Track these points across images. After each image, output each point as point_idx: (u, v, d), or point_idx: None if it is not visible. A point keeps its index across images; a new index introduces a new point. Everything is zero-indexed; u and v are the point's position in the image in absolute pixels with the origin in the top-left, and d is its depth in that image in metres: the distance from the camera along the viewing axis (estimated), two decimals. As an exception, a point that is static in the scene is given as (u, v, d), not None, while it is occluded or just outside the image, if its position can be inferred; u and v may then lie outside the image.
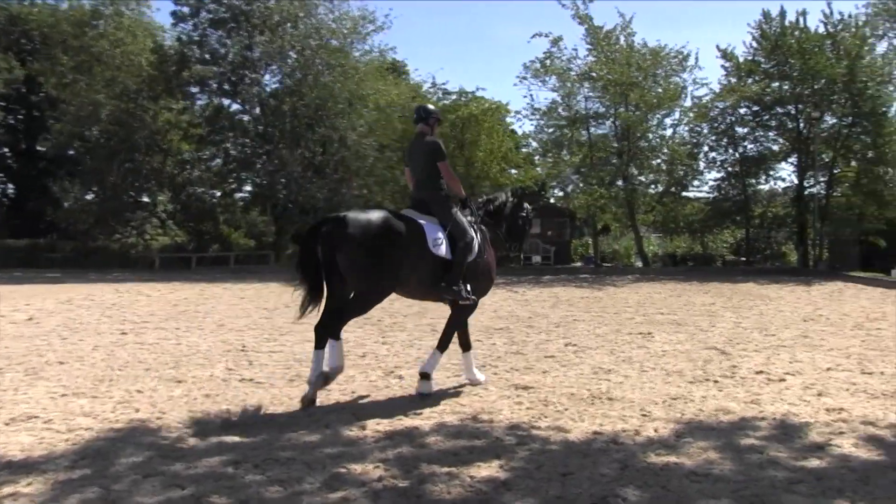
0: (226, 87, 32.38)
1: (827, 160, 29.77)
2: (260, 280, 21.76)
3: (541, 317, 12.11)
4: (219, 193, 34.90)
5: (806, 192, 30.20)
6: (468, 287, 6.01)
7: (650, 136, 31.40)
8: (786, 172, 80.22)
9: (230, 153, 33.00)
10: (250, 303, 14.52)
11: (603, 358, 7.73)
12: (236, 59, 31.84)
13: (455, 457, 4.27)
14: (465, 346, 6.39)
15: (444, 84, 35.26)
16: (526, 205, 7.01)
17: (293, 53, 32.55)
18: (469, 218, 6.22)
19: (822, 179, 29.88)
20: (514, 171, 33.95)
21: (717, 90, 30.42)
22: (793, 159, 30.87)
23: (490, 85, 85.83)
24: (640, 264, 32.79)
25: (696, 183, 32.90)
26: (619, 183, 31.08)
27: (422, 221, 5.81)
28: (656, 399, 5.76)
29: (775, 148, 31.75)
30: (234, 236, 36.08)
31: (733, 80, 30.44)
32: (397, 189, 32.64)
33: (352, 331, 10.04)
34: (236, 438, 4.65)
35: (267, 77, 33.61)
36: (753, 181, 31.71)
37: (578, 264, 34.87)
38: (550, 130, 32.12)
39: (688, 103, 31.05)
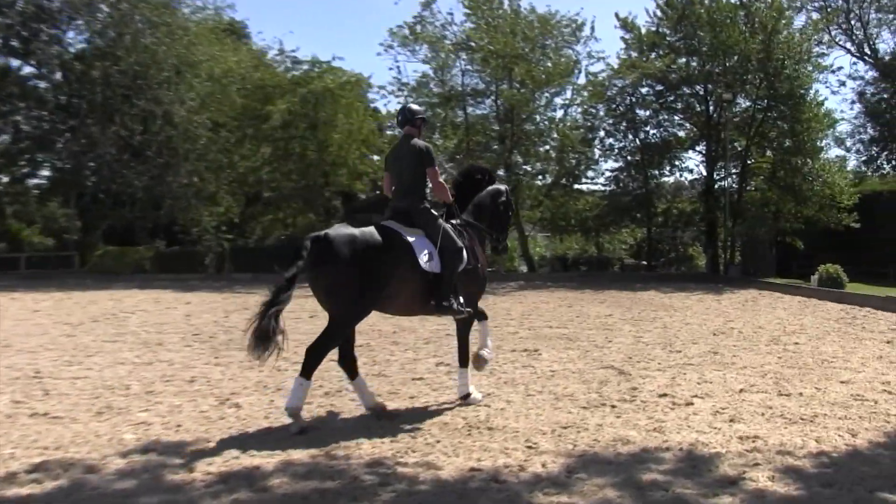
0: (14, 43, 30.29)
1: (740, 149, 31.80)
2: (61, 288, 20.98)
3: (407, 331, 12.15)
4: (6, 179, 32.73)
5: (716, 186, 32.09)
6: (461, 300, 6.64)
7: (537, 118, 32.37)
8: (693, 162, 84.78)
9: (21, 128, 31.04)
10: (47, 317, 13.97)
11: (481, 380, 7.80)
12: (28, 8, 29.83)
13: (304, 502, 4.22)
14: (465, 360, 6.99)
15: (293, 51, 34.68)
16: (501, 186, 7.64)
17: (105, 6, 30.90)
18: (454, 222, 6.86)
19: (734, 171, 31.86)
20: (376, 157, 33.97)
21: (616, 66, 31.80)
22: (701, 147, 32.76)
23: (349, 54, 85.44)
24: (524, 269, 33.67)
25: (590, 174, 34.23)
26: (501, 173, 31.78)
27: (410, 238, 6.38)
28: (544, 428, 5.85)
29: (681, 134, 33.58)
30: (26, 233, 34.77)
31: (634, 54, 31.91)
32: (235, 177, 31.83)
33: (178, 350, 9.68)
34: (22, 490, 4.38)
35: (70, 34, 31.83)
36: (656, 172, 33.36)
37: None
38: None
39: (581, 80, 32.31)
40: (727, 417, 6.26)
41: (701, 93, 31.79)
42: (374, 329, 12.33)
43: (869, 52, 47.61)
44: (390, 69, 42.14)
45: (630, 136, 33.19)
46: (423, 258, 6.37)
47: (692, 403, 6.77)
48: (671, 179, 34.99)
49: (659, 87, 32.04)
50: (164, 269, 29.39)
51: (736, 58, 30.06)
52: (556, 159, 32.51)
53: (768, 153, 32.42)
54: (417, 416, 6.25)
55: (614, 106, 32.76)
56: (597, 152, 33.57)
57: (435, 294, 6.45)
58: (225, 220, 32.79)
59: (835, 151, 65.60)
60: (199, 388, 7.36)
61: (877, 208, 30.95)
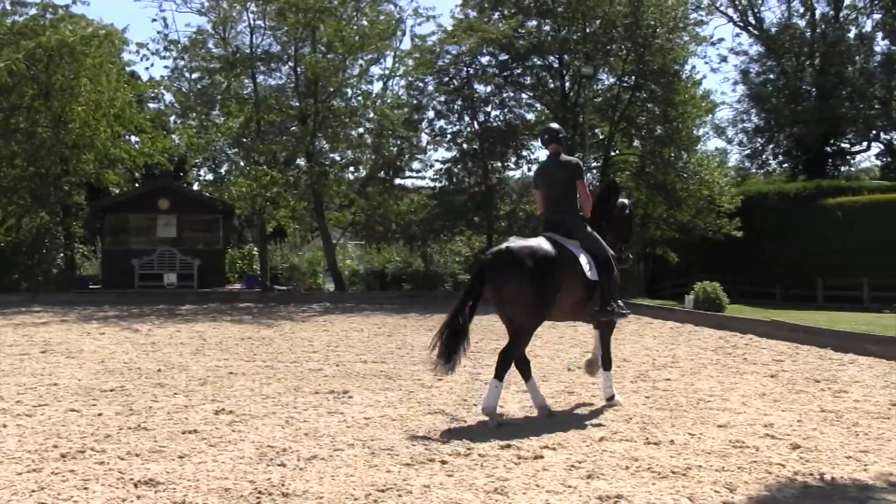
0: None
1: (602, 137, 33.11)
2: None
3: (177, 369, 11.92)
4: None
5: (573, 183, 33.24)
6: (619, 303, 9.36)
7: (349, 92, 32.51)
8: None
9: None
10: None
11: (274, 432, 7.78)
12: None
13: None
14: (608, 364, 9.58)
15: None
16: (623, 199, 10.33)
17: None
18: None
19: (594, 165, 33.08)
20: (134, 138, 33.03)
21: (450, 28, 32.37)
22: (555, 134, 33.83)
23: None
24: (331, 287, 33.64)
25: (416, 165, 34.75)
26: (301, 163, 31.66)
27: (571, 248, 8.89)
28: (356, 492, 5.89)
29: (531, 117, 34.56)
30: None
31: (472, 13, 32.59)
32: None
33: None
34: None
35: None
36: (499, 165, 34.14)
37: (237, 287, 34.80)
38: (195, 76, 31.90)
39: (406, 45, 32.83)
40: (584, 473, 6.49)
41: (555, 65, 32.88)
42: (130, 367, 12.07)
43: (754, 23, 51.00)
44: (154, 21, 41.25)
45: (467, 119, 33.90)
46: (585, 267, 8.84)
47: (542, 456, 6.99)
48: (517, 174, 35.82)
49: (503, 57, 32.81)
50: None
51: (598, 22, 31.30)
52: (372, 146, 32.64)
53: (636, 143, 33.85)
54: (189, 481, 6.13)
55: (447, 79, 33.29)
56: (424, 138, 34.14)
57: (596, 300, 9.01)
58: None
59: (714, 143, 70.00)
60: None
61: (762, 214, 33.07)
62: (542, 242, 8.72)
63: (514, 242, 8.71)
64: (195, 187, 42.05)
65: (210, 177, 35.90)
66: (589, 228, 9.25)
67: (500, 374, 8.43)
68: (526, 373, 8.95)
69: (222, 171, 34.32)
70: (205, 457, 6.87)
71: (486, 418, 8.26)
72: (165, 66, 37.32)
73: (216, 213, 34.86)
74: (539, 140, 12.77)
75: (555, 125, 10.28)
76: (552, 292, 8.58)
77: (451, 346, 8.52)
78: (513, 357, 8.65)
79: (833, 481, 6.34)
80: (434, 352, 8.61)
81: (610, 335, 9.63)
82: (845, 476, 6.48)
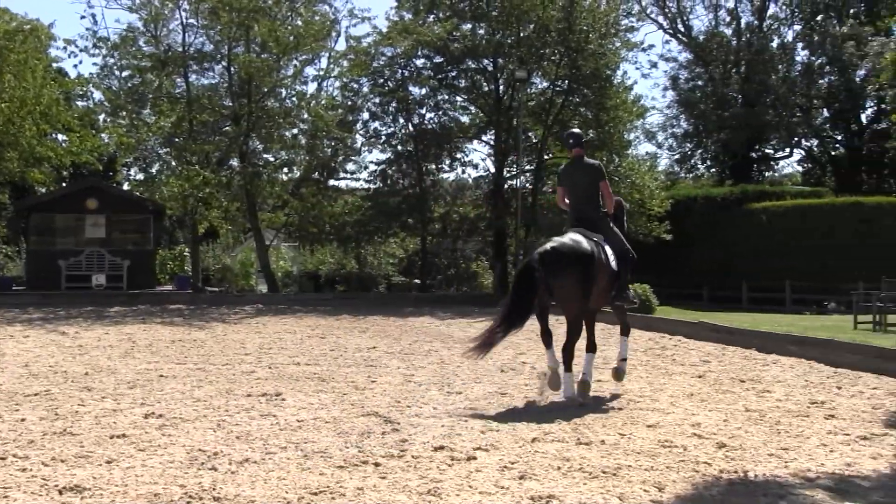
0: None
1: (535, 140, 33.30)
2: None
3: (105, 372, 11.74)
4: None
5: (506, 186, 33.42)
6: (631, 292, 11.13)
7: (283, 92, 32.35)
8: (479, 156, 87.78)
9: None
10: None
11: (206, 435, 7.69)
12: None
13: None
14: (593, 347, 10.60)
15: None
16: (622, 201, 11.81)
17: None
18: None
19: (527, 168, 33.33)
20: (62, 136, 32.48)
21: (385, 30, 32.35)
22: (489, 137, 34.03)
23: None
24: (264, 288, 33.42)
25: (350, 167, 34.73)
26: (234, 163, 31.42)
27: (600, 241, 9.97)
28: (288, 495, 5.84)
29: (465, 119, 34.77)
30: None
31: (408, 15, 32.63)
32: None
33: None
34: None
35: None
36: (433, 167, 34.30)
37: (168, 288, 34.44)
38: (125, 74, 31.47)
39: (341, 46, 32.63)
40: (517, 473, 6.51)
41: (490, 69, 33.05)
42: (56, 370, 11.88)
43: (683, 30, 51.85)
44: (82, 17, 40.47)
45: (401, 121, 34.08)
46: (611, 258, 9.98)
47: (475, 458, 7.00)
48: (452, 176, 36.03)
49: (438, 60, 32.96)
50: None
51: (532, 26, 31.48)
52: (306, 147, 32.56)
53: (570, 146, 34.15)
54: (117, 486, 6.03)
55: (382, 81, 33.38)
56: (359, 139, 34.18)
57: (615, 289, 10.27)
58: None
59: (645, 147, 70.69)
60: None
61: (690, 217, 33.58)
62: (580, 240, 9.78)
63: (558, 242, 9.84)
64: (125, 187, 41.57)
65: (141, 176, 35.52)
66: (610, 223, 10.50)
67: (568, 366, 9.73)
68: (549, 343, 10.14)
69: (153, 170, 33.94)
70: (133, 462, 6.76)
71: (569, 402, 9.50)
72: (94, 64, 36.70)
73: (147, 213, 34.44)
74: (563, 144, 15.40)
75: (577, 130, 11.80)
76: (592, 284, 9.72)
77: (495, 340, 9.71)
78: (573, 347, 9.78)
79: (756, 479, 6.45)
80: (478, 341, 9.76)
81: (627, 315, 11.46)
82: (768, 473, 6.59)
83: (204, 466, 6.61)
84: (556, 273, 9.54)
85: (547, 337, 10.01)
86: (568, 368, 9.68)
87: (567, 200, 10.82)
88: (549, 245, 9.83)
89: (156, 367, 12.33)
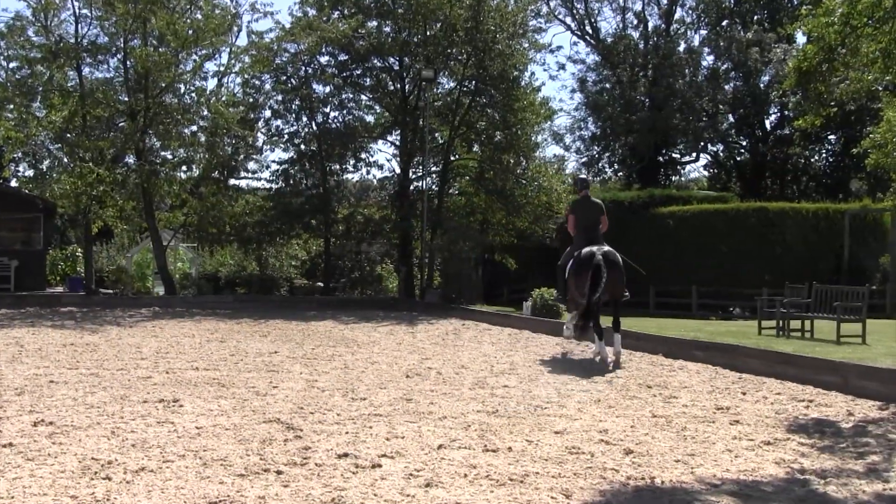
0: None
1: (441, 141, 33.47)
2: None
3: (-10, 379, 11.43)
4: None
5: (412, 188, 33.55)
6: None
7: (182, 88, 31.94)
8: (384, 156, 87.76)
9: None
10: None
11: (99, 443, 7.56)
12: None
13: None
14: (601, 335, 14.59)
15: None
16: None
17: None
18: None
19: (434, 169, 33.50)
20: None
21: (288, 25, 32.30)
22: (395, 137, 34.19)
23: None
24: (161, 291, 32.96)
25: (251, 166, 34.47)
26: (131, 160, 30.92)
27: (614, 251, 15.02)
28: (188, 506, 5.80)
29: (370, 119, 34.84)
30: None
31: (312, 11, 32.62)
32: None
33: None
34: None
35: None
36: (338, 167, 34.24)
37: (59, 290, 33.74)
38: (13, 66, 30.87)
39: (242, 41, 32.52)
40: (422, 481, 6.55)
41: (396, 67, 33.20)
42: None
43: (591, 32, 52.62)
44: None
45: (305, 119, 33.99)
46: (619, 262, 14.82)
47: (380, 465, 7.01)
48: (356, 177, 36.05)
49: (343, 57, 32.98)
50: None
51: (439, 25, 31.69)
52: (206, 145, 32.12)
53: (476, 148, 34.39)
54: (5, 497, 5.91)
55: (285, 78, 33.29)
56: (261, 138, 33.97)
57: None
58: None
59: (553, 149, 71.35)
60: None
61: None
62: (609, 249, 14.74)
63: (601, 249, 14.56)
64: (13, 183, 40.51)
65: (30, 173, 34.50)
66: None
67: (600, 335, 14.57)
68: (601, 334, 14.61)
69: (44, 167, 33.09)
70: (21, 472, 6.62)
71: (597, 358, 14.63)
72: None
73: (36, 211, 33.79)
74: (575, 185, 21.56)
75: (586, 177, 19.67)
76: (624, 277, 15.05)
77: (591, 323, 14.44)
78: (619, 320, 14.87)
79: (663, 485, 6.57)
80: (578, 325, 14.75)
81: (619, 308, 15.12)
82: (674, 479, 6.73)
83: (97, 476, 6.50)
84: (611, 268, 14.27)
85: (598, 328, 14.52)
86: (600, 338, 14.60)
87: (574, 226, 15.68)
88: (596, 250, 14.43)
89: (45, 373, 12.09)
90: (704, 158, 56.26)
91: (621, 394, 10.98)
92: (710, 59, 51.80)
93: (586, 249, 14.64)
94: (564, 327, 16.85)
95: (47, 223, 35.94)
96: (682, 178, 59.16)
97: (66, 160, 31.20)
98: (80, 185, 28.99)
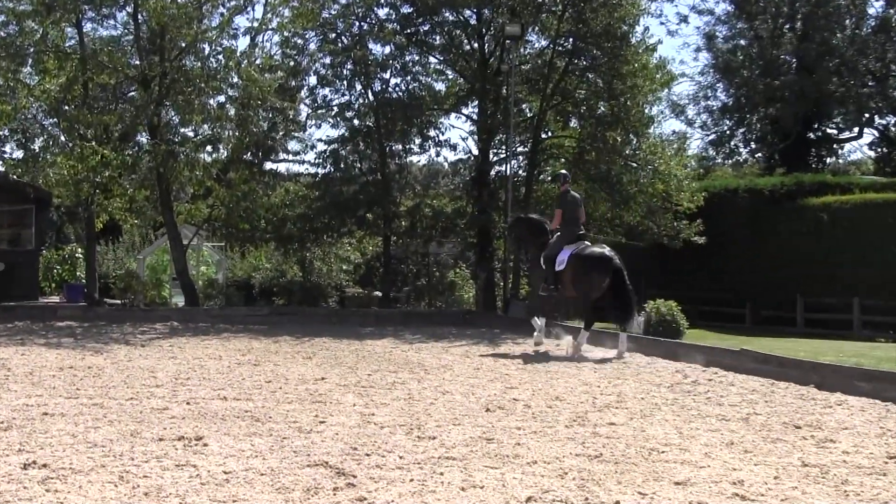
0: None
1: (531, 115, 33.32)
2: None
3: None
4: None
5: (493, 173, 33.41)
6: None
7: (206, 49, 31.85)
8: (459, 134, 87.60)
9: None
10: None
11: (104, 491, 7.63)
12: None
13: None
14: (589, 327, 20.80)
15: None
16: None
17: None
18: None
19: (520, 150, 33.32)
20: None
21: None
22: (471, 110, 34.02)
23: None
24: (181, 301, 33.23)
25: (293, 146, 34.64)
26: (143, 139, 31.23)
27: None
28: (213, 571, 5.84)
29: (440, 87, 34.69)
30: None
31: (368, -51, 32.55)
32: None
33: None
34: None
35: None
36: (400, 147, 34.16)
37: (56, 299, 34.23)
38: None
39: (279, -12, 32.42)
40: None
41: (473, 22, 32.89)
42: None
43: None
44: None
45: (359, 88, 33.86)
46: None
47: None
48: (423, 160, 35.92)
49: (407, 9, 32.86)
50: None
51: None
52: (235, 120, 32.16)
53: (573, 123, 34.12)
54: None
55: (334, 36, 33.27)
56: (304, 111, 34.01)
57: None
58: None
59: (671, 124, 70.98)
60: None
61: (729, 215, 33.55)
62: (607, 248, 20.24)
63: (600, 249, 20.03)
64: (-1, 168, 41.23)
65: (19, 154, 35.00)
66: None
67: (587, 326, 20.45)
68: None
69: (36, 147, 33.55)
70: (11, 524, 6.72)
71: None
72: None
73: (27, 202, 34.20)
74: (557, 179, 23.75)
75: (563, 171, 23.76)
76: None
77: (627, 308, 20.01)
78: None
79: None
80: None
81: None
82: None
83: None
84: (618, 269, 19.68)
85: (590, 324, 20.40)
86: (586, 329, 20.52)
87: (561, 219, 19.82)
88: (598, 249, 19.76)
89: (38, 403, 12.20)
90: (870, 135, 55.07)
91: (761, 435, 10.83)
92: (880, 4, 50.67)
93: (596, 249, 20.33)
94: (535, 332, 21.52)
95: (40, 217, 36.38)
96: (840, 161, 58.20)
97: (63, 138, 31.63)
98: (80, 169, 29.23)
